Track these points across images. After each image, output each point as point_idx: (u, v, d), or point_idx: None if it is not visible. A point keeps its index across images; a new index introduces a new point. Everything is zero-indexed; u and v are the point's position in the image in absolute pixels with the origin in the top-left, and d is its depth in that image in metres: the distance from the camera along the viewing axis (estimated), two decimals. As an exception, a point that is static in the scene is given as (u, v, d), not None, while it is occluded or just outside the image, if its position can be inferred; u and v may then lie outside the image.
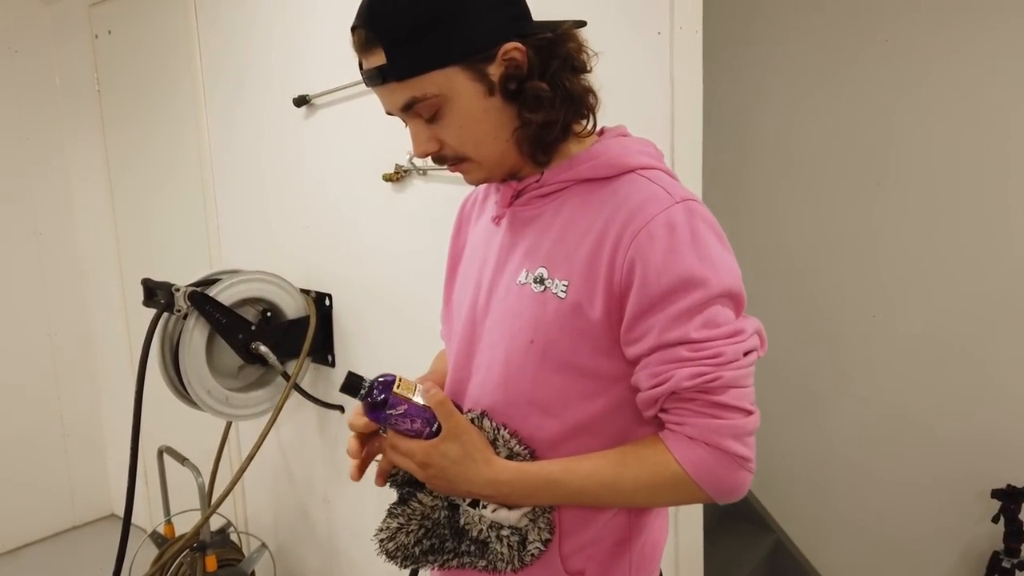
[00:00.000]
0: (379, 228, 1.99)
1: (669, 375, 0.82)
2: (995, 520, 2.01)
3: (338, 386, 2.31)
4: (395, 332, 2.00)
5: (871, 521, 2.33)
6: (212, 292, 1.93)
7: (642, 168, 0.89)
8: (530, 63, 0.87)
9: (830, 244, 2.33)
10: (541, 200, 0.93)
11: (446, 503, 0.93)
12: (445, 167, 0.94)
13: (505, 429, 0.91)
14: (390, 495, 1.01)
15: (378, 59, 0.85)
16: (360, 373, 0.90)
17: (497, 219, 0.98)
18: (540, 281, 0.89)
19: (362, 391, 0.88)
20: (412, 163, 1.84)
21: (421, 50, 0.83)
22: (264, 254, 2.33)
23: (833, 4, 2.22)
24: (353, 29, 0.87)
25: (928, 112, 2.09)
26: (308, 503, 2.36)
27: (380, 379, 0.89)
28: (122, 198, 2.89)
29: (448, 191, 1.80)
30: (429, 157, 0.92)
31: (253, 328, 1.99)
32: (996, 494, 2.01)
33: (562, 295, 0.86)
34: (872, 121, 2.19)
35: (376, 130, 1.92)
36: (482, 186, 1.09)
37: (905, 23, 2.10)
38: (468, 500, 0.91)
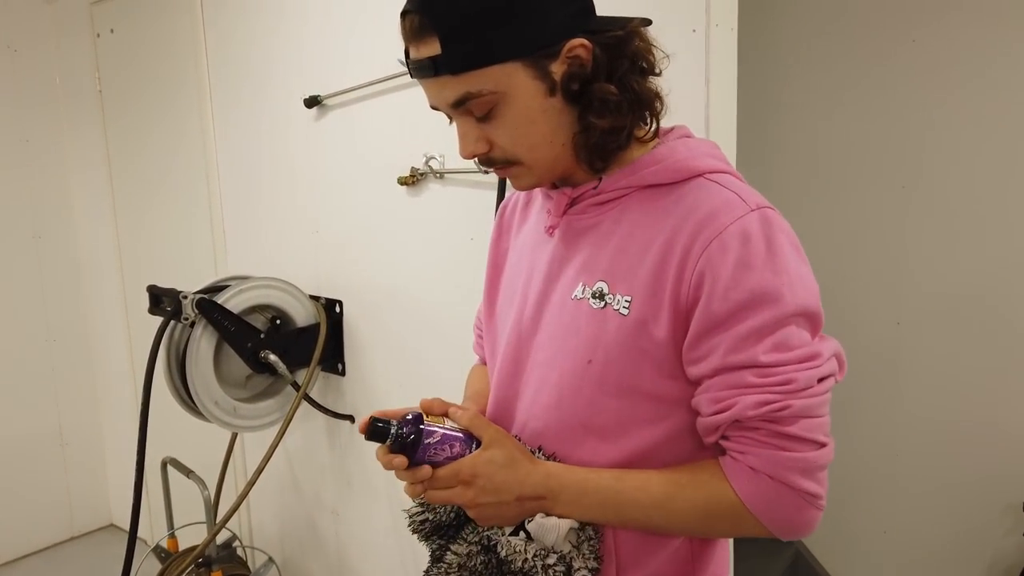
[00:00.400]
0: (392, 233, 1.93)
1: (732, 402, 0.76)
2: (1027, 534, 1.96)
3: (347, 396, 2.23)
4: (408, 340, 1.93)
5: (895, 533, 2.27)
6: (220, 299, 1.86)
7: (710, 172, 0.82)
8: (595, 62, 0.80)
9: (856, 248, 2.27)
10: (598, 208, 0.87)
11: (480, 547, 0.88)
12: (491, 170, 0.87)
13: (540, 451, 0.87)
14: (401, 507, 0.96)
15: (431, 49, 0.77)
16: (381, 417, 0.83)
17: (551, 229, 0.91)
18: (600, 296, 0.82)
19: (392, 432, 0.82)
20: (428, 166, 1.78)
21: (481, 42, 0.76)
22: (272, 260, 2.27)
23: (862, 4, 2.16)
24: (404, 14, 0.80)
25: (956, 114, 2.04)
26: (316, 516, 2.30)
27: (407, 417, 0.84)
28: (124, 201, 2.82)
29: (465, 195, 1.74)
30: (475, 159, 0.85)
31: (262, 336, 1.93)
32: (1029, 508, 1.95)
33: (625, 312, 0.80)
34: (900, 123, 2.13)
35: (391, 132, 1.86)
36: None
37: (934, 24, 2.04)
38: (508, 531, 0.84)
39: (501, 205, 1.09)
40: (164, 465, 2.24)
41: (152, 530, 2.91)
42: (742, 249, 0.75)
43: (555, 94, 0.80)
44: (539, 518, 0.83)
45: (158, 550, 2.27)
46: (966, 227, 2.06)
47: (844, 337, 2.46)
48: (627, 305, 0.80)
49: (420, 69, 0.80)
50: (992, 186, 2.00)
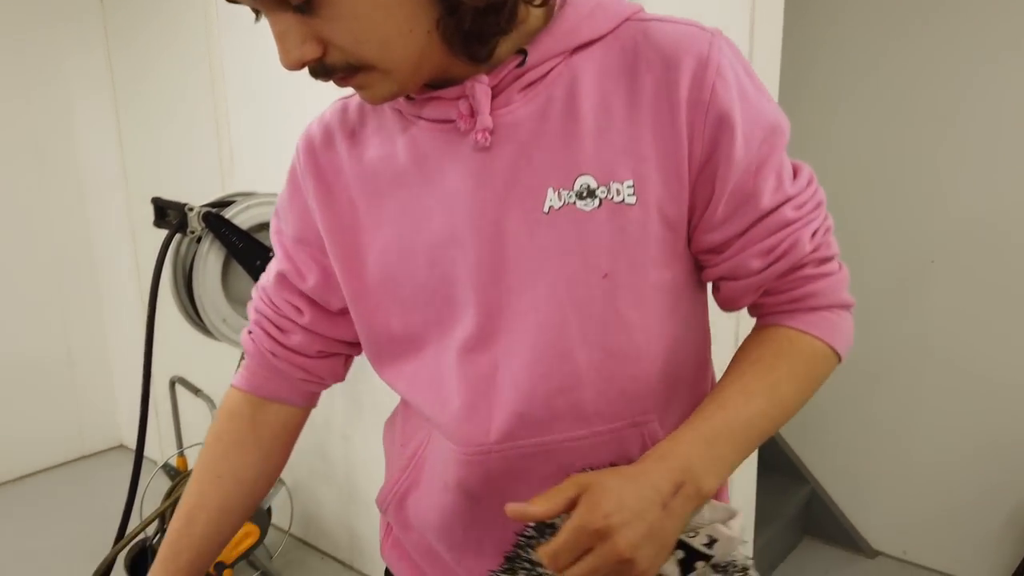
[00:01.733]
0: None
1: (790, 242, 0.66)
2: (1055, 479, 1.90)
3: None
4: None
5: (915, 478, 2.23)
6: (227, 214, 1.78)
7: (632, 13, 0.67)
8: None
9: (888, 183, 2.16)
10: (527, 92, 0.66)
11: None
12: (330, 80, 0.63)
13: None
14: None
15: None
16: None
17: (484, 133, 0.65)
18: (589, 194, 0.65)
19: None
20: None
21: None
22: (281, 176, 2.17)
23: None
24: None
25: (995, 45, 1.90)
26: (326, 441, 2.27)
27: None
28: (128, 114, 2.72)
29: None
30: (304, 68, 0.61)
31: (271, 255, 1.85)
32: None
33: (631, 200, 0.64)
34: (937, 53, 2.00)
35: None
36: (348, 109, 0.78)
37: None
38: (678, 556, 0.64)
39: (301, 146, 0.83)
40: (172, 384, 2.21)
41: (162, 451, 2.90)
42: (736, 81, 0.64)
43: None
44: (721, 529, 0.64)
45: (167, 468, 2.26)
46: (1005, 160, 1.94)
47: (875, 275, 2.36)
48: (632, 191, 0.64)
49: None
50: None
